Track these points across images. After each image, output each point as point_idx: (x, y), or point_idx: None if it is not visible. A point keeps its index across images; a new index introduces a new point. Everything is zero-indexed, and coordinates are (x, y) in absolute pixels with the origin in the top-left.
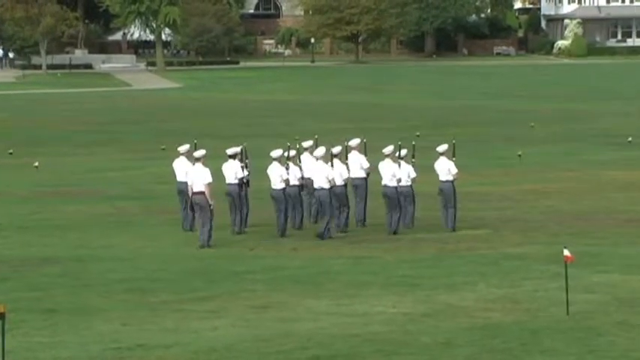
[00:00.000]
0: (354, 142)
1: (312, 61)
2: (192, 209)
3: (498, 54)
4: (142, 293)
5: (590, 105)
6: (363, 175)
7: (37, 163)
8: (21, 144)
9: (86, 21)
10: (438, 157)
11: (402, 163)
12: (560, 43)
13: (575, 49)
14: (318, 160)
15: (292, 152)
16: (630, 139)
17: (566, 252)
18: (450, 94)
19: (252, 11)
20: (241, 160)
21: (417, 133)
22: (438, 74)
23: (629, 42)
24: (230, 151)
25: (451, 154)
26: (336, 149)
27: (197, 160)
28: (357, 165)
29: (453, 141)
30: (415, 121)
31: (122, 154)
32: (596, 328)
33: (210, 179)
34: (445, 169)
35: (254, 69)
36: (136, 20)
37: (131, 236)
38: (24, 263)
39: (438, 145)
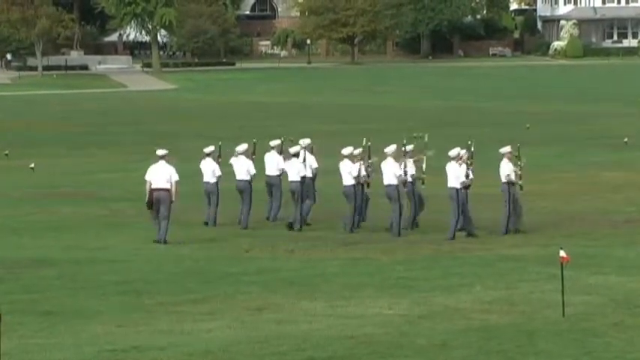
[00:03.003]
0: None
1: (309, 63)
2: (152, 206)
3: (494, 55)
4: (137, 295)
5: (586, 106)
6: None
7: (32, 165)
8: (16, 145)
9: (82, 22)
10: (502, 159)
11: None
12: (556, 44)
13: (570, 50)
14: (388, 158)
15: (359, 150)
16: (626, 140)
17: (562, 253)
18: (445, 96)
19: (247, 12)
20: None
21: (414, 134)
22: (433, 76)
23: (625, 43)
24: (293, 150)
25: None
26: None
27: (161, 158)
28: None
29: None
30: (411, 122)
31: (117, 155)
32: (592, 329)
33: (177, 177)
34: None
35: (250, 70)
36: (132, 22)
37: (126, 238)
38: (19, 265)
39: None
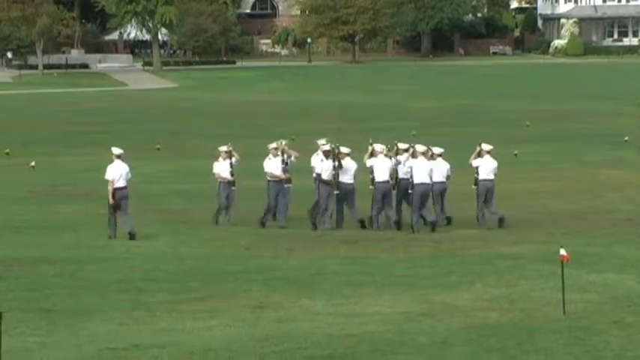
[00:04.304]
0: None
1: (309, 61)
2: (117, 205)
3: (495, 53)
4: (137, 293)
5: (587, 104)
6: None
7: (33, 163)
8: (17, 144)
9: (82, 21)
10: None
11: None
12: (557, 43)
13: (571, 48)
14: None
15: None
16: (626, 138)
17: (562, 251)
18: (446, 94)
19: (248, 11)
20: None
21: (413, 133)
22: (434, 74)
23: (625, 41)
24: (324, 148)
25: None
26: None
27: (118, 157)
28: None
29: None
30: (411, 121)
31: None
32: (591, 327)
33: (130, 175)
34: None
35: (251, 69)
36: (133, 20)
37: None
38: (19, 263)
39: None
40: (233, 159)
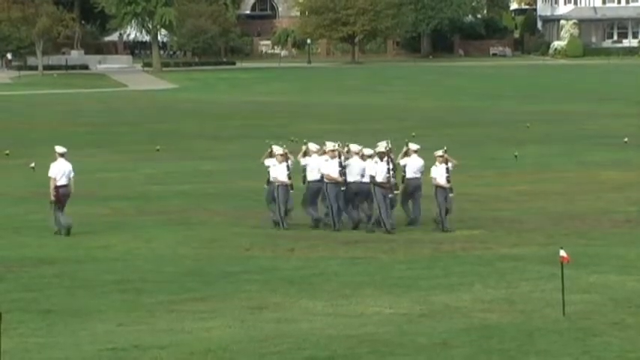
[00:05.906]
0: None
1: (309, 62)
2: (59, 202)
3: (494, 55)
4: (137, 294)
5: (586, 106)
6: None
7: (33, 164)
8: (17, 145)
9: (82, 22)
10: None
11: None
12: (556, 44)
13: (571, 49)
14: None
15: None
16: (626, 139)
17: (562, 252)
18: (446, 95)
19: (248, 12)
20: (388, 162)
21: (413, 134)
22: (434, 75)
23: (625, 43)
24: (378, 150)
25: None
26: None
27: (61, 155)
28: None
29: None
30: (411, 121)
31: (118, 154)
32: (592, 328)
33: (73, 173)
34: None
35: (250, 70)
36: (132, 21)
37: (126, 237)
38: (19, 264)
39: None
40: (289, 161)
